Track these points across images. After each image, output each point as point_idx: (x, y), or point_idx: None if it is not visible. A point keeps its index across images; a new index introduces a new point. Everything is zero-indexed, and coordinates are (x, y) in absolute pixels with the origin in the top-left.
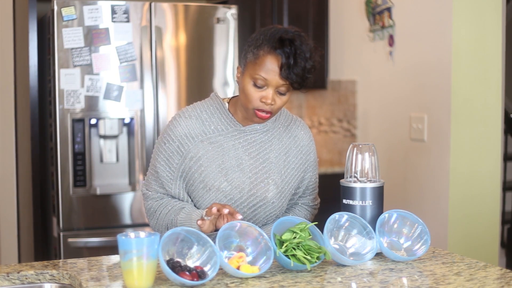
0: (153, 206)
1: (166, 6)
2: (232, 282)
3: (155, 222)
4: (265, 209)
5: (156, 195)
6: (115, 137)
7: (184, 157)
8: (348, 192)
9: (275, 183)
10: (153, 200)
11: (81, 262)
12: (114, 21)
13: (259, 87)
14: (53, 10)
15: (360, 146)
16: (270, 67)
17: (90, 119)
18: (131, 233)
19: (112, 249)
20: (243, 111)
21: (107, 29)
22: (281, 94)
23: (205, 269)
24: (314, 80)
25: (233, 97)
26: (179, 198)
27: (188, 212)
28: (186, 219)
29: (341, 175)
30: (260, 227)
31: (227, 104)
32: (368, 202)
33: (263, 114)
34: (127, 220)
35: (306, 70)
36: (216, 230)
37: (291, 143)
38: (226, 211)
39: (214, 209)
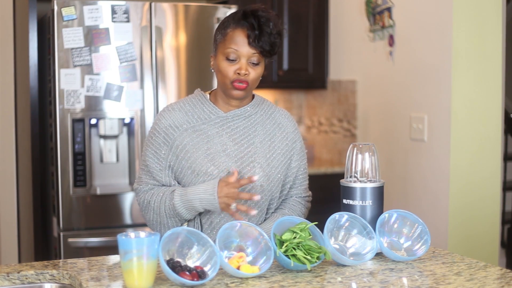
0: (145, 198)
1: (166, 6)
2: (232, 282)
3: (151, 214)
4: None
5: (146, 187)
6: (115, 137)
7: (171, 146)
8: (348, 192)
9: (261, 166)
10: (144, 193)
11: (81, 262)
12: (114, 21)
13: (232, 60)
14: (53, 10)
15: (360, 146)
16: (239, 39)
17: (90, 119)
18: (131, 233)
19: (112, 249)
20: (223, 94)
21: (107, 29)
22: (254, 64)
23: (205, 269)
24: (315, 79)
25: (213, 89)
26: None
27: (182, 194)
28: (183, 200)
29: (341, 175)
30: (259, 224)
31: (208, 96)
32: (368, 202)
33: (240, 85)
34: (127, 220)
35: (273, 36)
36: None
37: (275, 129)
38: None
39: (233, 207)
